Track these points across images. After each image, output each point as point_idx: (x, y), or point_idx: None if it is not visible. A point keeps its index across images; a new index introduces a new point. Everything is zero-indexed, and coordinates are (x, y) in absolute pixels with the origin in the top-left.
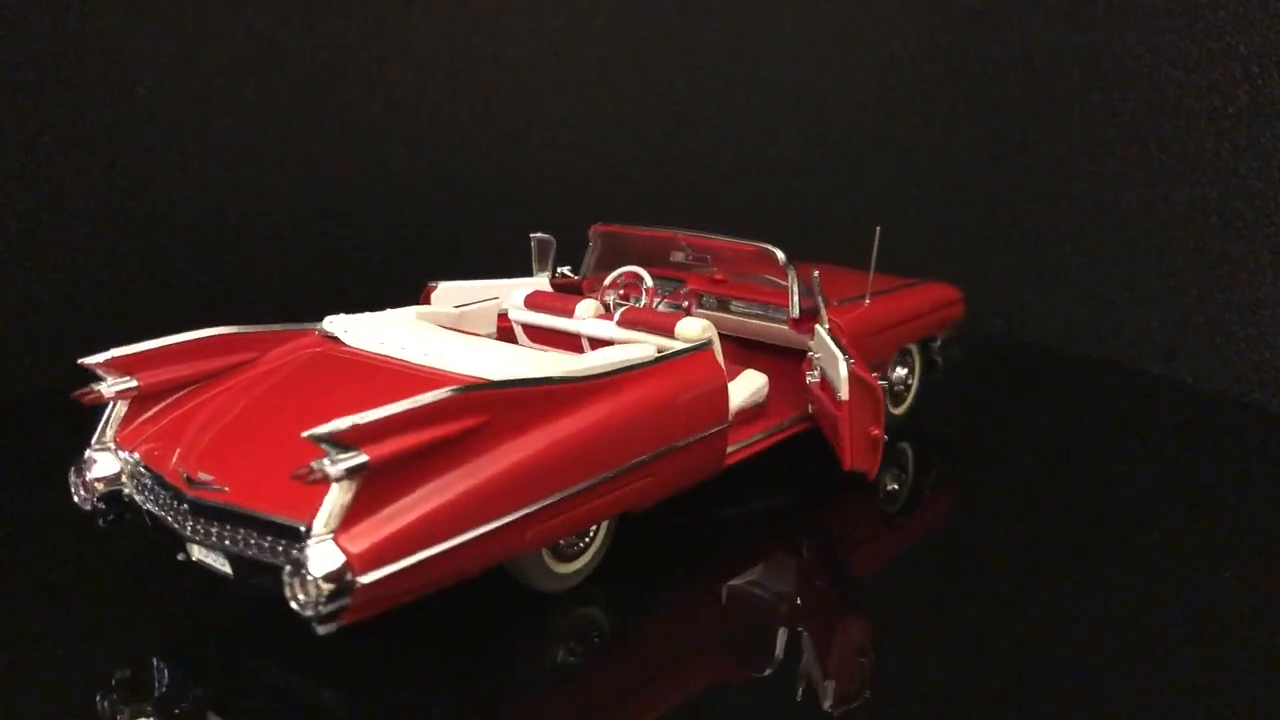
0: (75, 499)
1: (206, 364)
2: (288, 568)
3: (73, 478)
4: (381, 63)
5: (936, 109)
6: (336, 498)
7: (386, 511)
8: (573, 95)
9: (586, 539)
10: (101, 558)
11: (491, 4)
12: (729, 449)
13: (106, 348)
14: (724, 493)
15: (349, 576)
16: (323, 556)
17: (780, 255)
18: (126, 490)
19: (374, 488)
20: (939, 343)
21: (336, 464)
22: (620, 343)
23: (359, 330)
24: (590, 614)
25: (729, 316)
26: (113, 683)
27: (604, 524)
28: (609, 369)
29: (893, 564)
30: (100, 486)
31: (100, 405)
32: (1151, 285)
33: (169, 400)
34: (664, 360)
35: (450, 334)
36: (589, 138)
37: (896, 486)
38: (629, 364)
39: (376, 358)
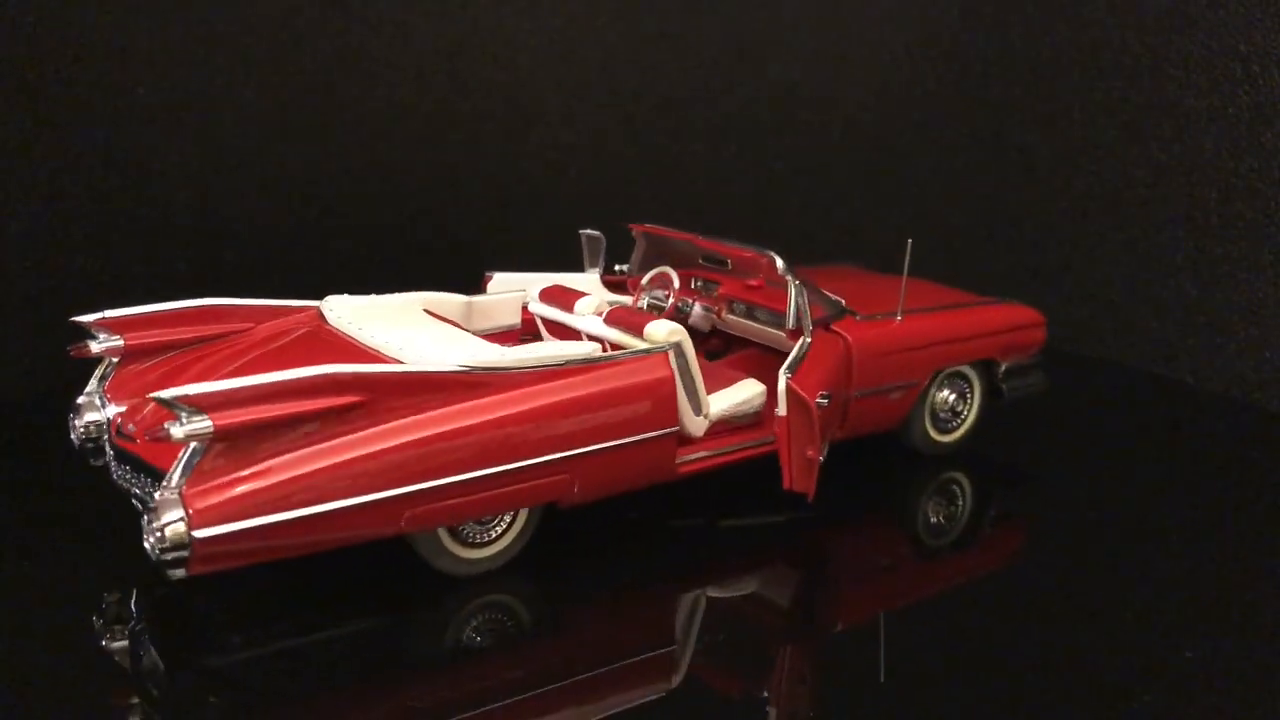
0: (72, 436)
1: (194, 331)
2: (145, 515)
3: (70, 419)
4: (381, 63)
5: (936, 109)
6: (186, 457)
7: (237, 474)
8: (573, 95)
9: (497, 527)
10: (102, 557)
11: (491, 4)
12: (689, 457)
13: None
14: (742, 499)
15: (185, 530)
16: (166, 508)
17: (778, 262)
18: (104, 437)
19: (229, 451)
20: (1004, 369)
21: (181, 427)
22: (606, 340)
23: (345, 311)
24: (512, 602)
25: (753, 324)
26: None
27: (521, 514)
28: (520, 365)
29: (900, 599)
30: (83, 431)
31: (89, 359)
32: (1151, 285)
33: (157, 361)
34: (602, 360)
35: (433, 323)
36: (589, 138)
37: (939, 519)
38: (547, 361)
39: (344, 338)
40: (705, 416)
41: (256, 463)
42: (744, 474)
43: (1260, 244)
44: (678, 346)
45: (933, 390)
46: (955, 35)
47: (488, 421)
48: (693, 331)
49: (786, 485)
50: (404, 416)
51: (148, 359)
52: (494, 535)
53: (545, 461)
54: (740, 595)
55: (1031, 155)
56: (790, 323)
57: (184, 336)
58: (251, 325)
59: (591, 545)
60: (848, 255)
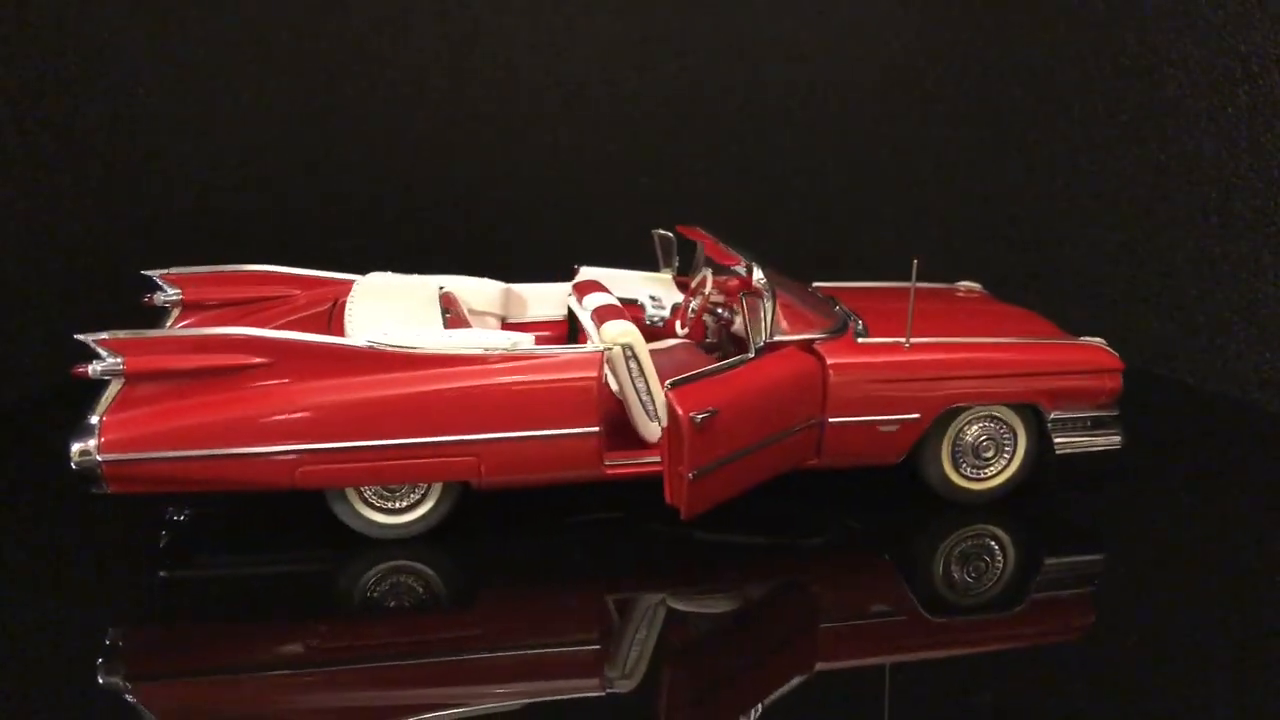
0: None
1: (248, 292)
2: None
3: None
4: (381, 63)
5: (936, 109)
6: (108, 391)
7: (146, 411)
8: (573, 95)
9: (409, 497)
10: (102, 556)
11: (491, 4)
12: (620, 461)
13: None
14: (757, 513)
15: (94, 453)
16: (83, 433)
17: (756, 273)
18: None
19: (141, 390)
20: (1051, 418)
21: (98, 365)
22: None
23: (366, 287)
24: (430, 574)
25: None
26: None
27: (434, 488)
28: (434, 349)
29: (867, 647)
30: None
31: (155, 309)
32: (1151, 285)
33: (210, 314)
34: (524, 353)
35: (423, 306)
36: (589, 138)
37: (969, 578)
38: (460, 349)
39: (340, 313)
40: (660, 422)
41: (166, 405)
42: (769, 492)
43: (1260, 244)
44: (628, 349)
45: (954, 429)
46: (955, 35)
47: (383, 396)
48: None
49: (668, 499)
50: (304, 381)
51: (203, 312)
52: (405, 504)
53: (445, 442)
54: (700, 611)
55: (1031, 155)
56: (758, 340)
57: (238, 296)
58: (298, 293)
59: (576, 540)
60: (847, 256)
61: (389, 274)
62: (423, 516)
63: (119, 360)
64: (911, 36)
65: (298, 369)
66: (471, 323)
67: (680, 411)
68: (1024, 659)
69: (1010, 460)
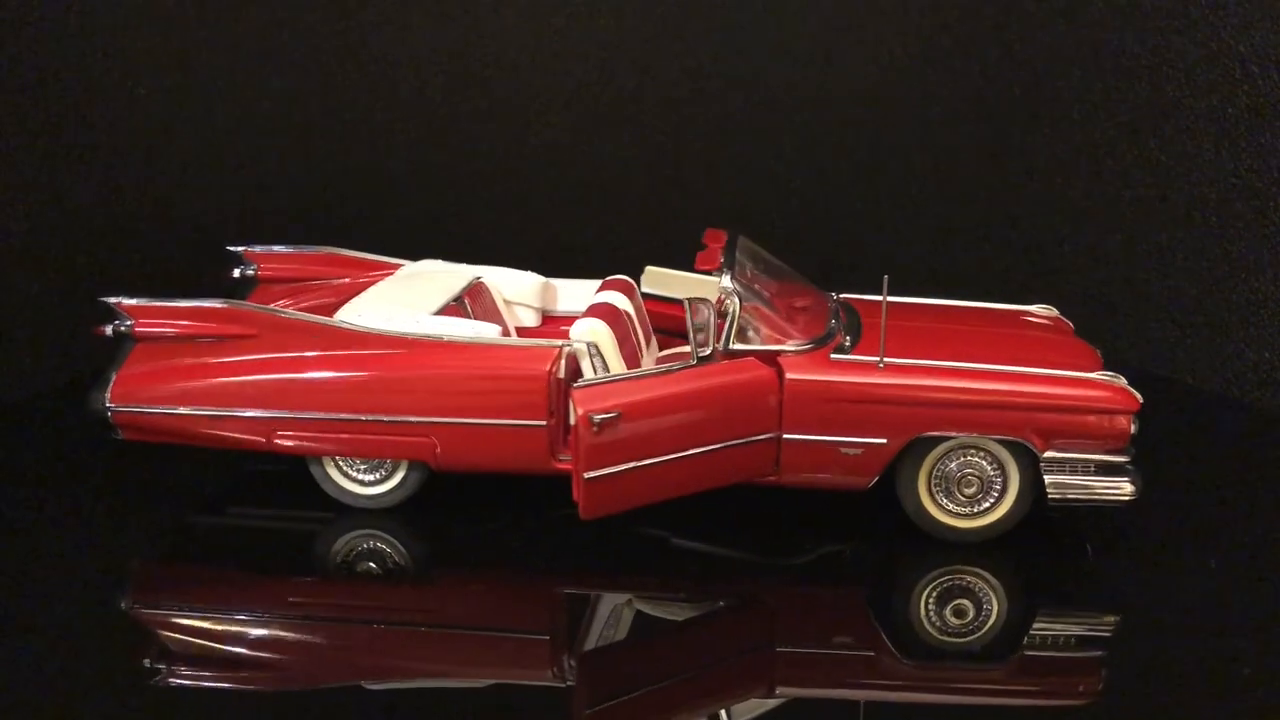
0: None
1: (315, 270)
2: None
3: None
4: (381, 63)
5: (936, 109)
6: (122, 350)
7: (149, 369)
8: (573, 95)
9: (378, 471)
10: (102, 558)
11: (491, 4)
12: (569, 457)
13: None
14: (747, 526)
15: (106, 404)
16: (100, 386)
17: (724, 281)
18: None
19: (149, 352)
20: (1044, 458)
21: (112, 324)
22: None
23: (404, 271)
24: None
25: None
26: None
27: (400, 466)
28: (400, 333)
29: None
30: None
31: (234, 283)
32: (1151, 285)
33: (281, 289)
34: (483, 342)
35: (431, 293)
36: (589, 138)
37: (958, 619)
38: (428, 334)
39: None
40: None
41: (165, 365)
42: (764, 504)
43: (1260, 244)
44: (593, 346)
45: (933, 460)
46: (955, 35)
47: (347, 373)
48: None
49: (573, 496)
50: (280, 353)
51: (276, 286)
52: (375, 477)
53: (401, 421)
54: (662, 616)
55: (1031, 155)
56: (704, 350)
57: (304, 274)
58: (354, 274)
59: (558, 532)
60: (848, 257)
61: (437, 261)
62: (391, 490)
63: (130, 321)
64: (911, 36)
65: (277, 341)
66: (504, 313)
67: (579, 411)
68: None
69: (1000, 499)
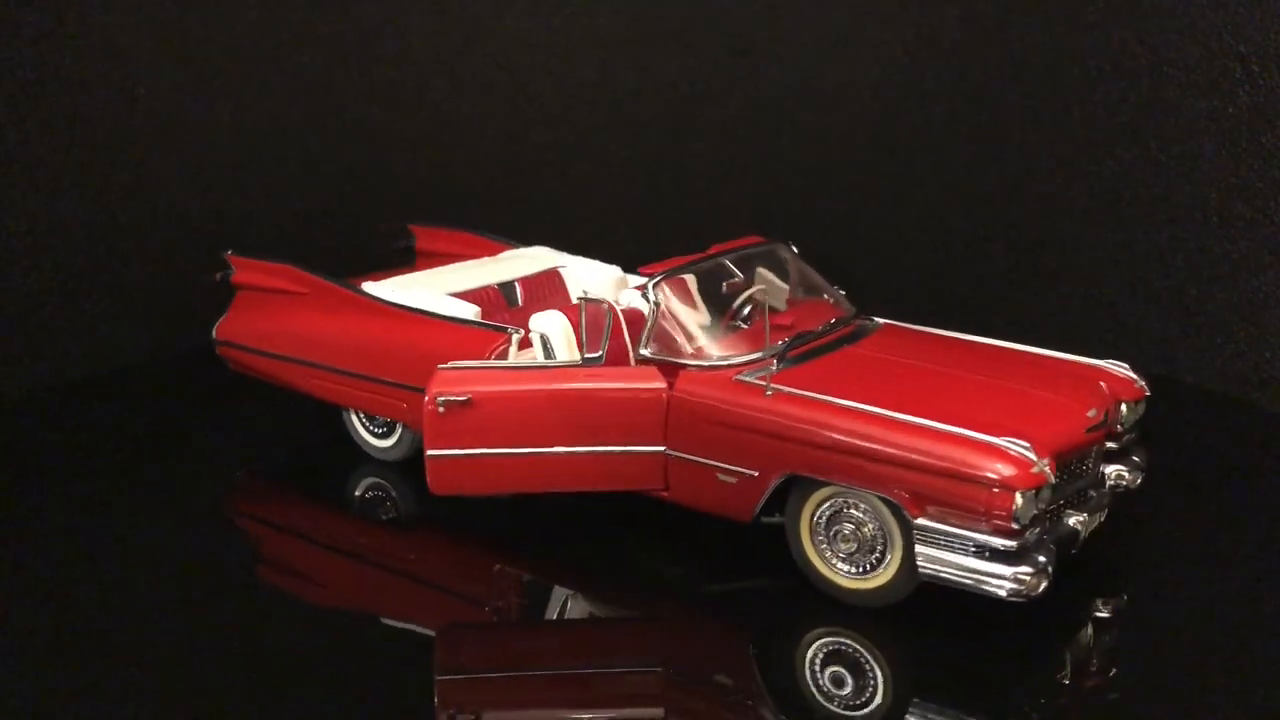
0: None
1: (460, 249)
2: None
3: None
4: (381, 63)
5: (936, 109)
6: (233, 300)
7: (238, 314)
8: (573, 95)
9: (385, 427)
10: (104, 558)
11: (491, 4)
12: None
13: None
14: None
15: (214, 336)
16: (215, 328)
17: (650, 284)
18: None
19: (247, 302)
20: (916, 525)
21: (221, 275)
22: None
23: (506, 255)
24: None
25: None
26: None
27: (397, 427)
28: (404, 305)
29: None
30: None
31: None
32: (1151, 285)
33: (439, 259)
34: (453, 320)
35: (485, 278)
36: (589, 138)
37: (836, 687)
38: (421, 309)
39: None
40: None
41: (249, 312)
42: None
43: (1260, 244)
44: (545, 338)
45: (814, 506)
46: (955, 35)
47: (359, 336)
48: None
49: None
50: (320, 313)
51: (428, 258)
52: (380, 432)
53: (384, 383)
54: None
55: (1031, 155)
56: (591, 352)
57: (451, 251)
58: (475, 254)
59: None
60: (847, 258)
61: (542, 248)
62: (393, 446)
63: (231, 271)
64: (911, 36)
65: (318, 302)
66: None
67: (430, 391)
68: None
69: (882, 564)
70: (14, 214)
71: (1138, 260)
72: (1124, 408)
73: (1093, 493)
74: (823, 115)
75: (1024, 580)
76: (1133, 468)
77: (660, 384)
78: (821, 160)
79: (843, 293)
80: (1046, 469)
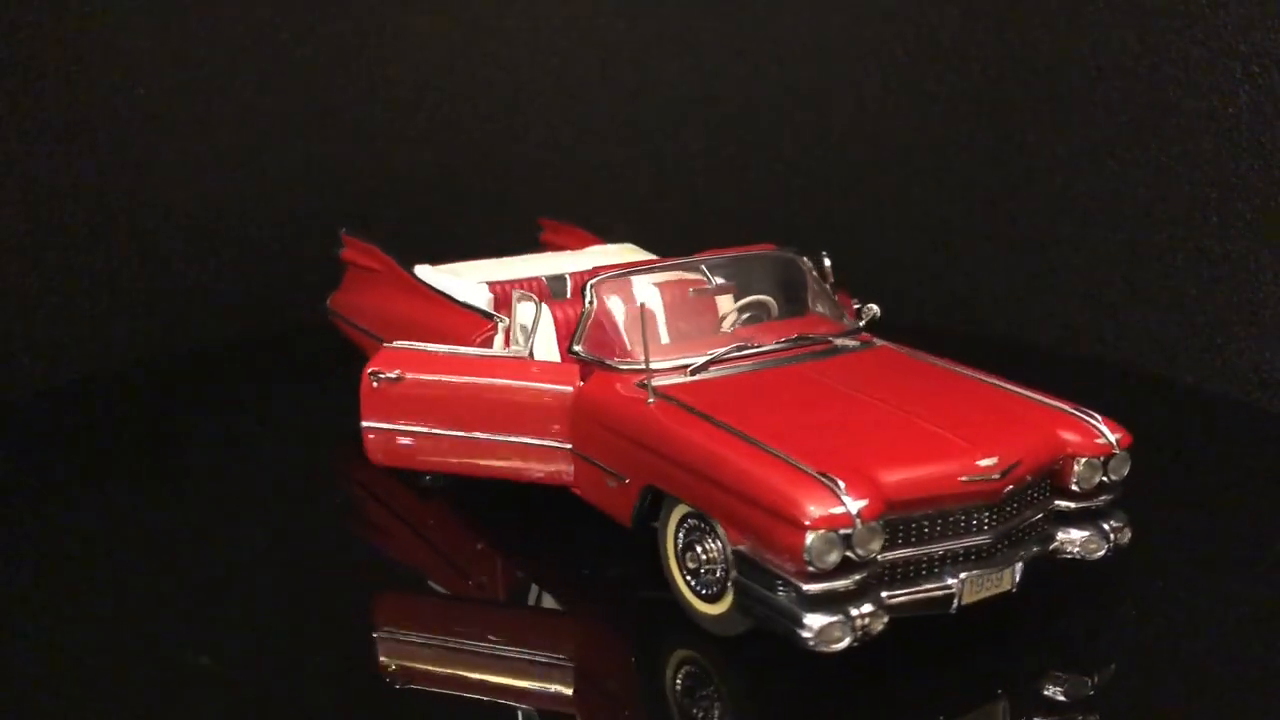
0: None
1: (549, 237)
2: None
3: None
4: (381, 63)
5: (936, 109)
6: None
7: (344, 291)
8: (573, 95)
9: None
10: (104, 558)
11: (491, 4)
12: None
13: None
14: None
15: (329, 305)
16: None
17: (586, 294)
18: None
19: (351, 278)
20: (734, 549)
21: (336, 251)
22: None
23: (592, 249)
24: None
25: None
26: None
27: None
28: (430, 286)
29: None
30: None
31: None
32: (1151, 285)
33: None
34: (450, 301)
35: (528, 271)
36: (589, 138)
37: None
38: (439, 289)
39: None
40: None
41: (347, 284)
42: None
43: (1260, 244)
44: (512, 326)
45: (675, 519)
46: (955, 35)
47: (398, 307)
48: None
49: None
50: (382, 289)
51: (551, 250)
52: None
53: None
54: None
55: (1031, 155)
56: (517, 349)
57: (568, 245)
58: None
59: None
60: (847, 259)
61: (628, 245)
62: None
63: (343, 248)
64: (911, 36)
65: (384, 279)
66: None
67: (368, 365)
68: None
69: (722, 591)
70: (14, 214)
71: (1138, 260)
72: (1078, 464)
73: (998, 549)
74: (823, 115)
75: (821, 631)
76: (1096, 537)
77: (569, 384)
78: (821, 160)
79: (859, 307)
80: (857, 511)
